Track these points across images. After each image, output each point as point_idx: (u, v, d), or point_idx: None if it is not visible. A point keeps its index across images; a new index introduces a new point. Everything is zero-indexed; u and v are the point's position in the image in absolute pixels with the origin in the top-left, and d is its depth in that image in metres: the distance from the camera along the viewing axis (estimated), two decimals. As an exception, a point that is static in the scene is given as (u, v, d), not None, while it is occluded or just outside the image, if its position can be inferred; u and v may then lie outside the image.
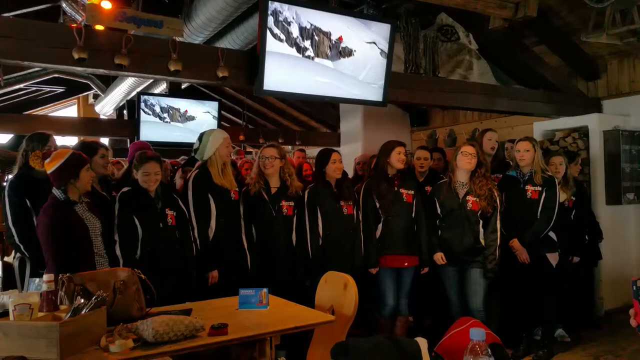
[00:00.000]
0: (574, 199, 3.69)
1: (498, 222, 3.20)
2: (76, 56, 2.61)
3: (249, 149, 7.55)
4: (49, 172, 2.35)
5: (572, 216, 3.69)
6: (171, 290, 2.52)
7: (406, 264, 3.24)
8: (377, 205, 3.25)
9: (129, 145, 6.46)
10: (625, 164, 4.50)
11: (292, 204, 3.10)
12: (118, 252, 2.56)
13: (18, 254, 2.71)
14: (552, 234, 3.34)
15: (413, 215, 3.30)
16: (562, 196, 3.46)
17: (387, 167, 3.28)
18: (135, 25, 2.86)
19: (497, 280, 3.24)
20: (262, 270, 2.99)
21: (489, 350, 1.07)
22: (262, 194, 3.04)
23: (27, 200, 2.59)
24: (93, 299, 1.77)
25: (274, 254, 3.03)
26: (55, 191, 2.36)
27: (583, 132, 4.60)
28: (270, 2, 3.07)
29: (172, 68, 2.89)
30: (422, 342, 1.59)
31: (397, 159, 3.26)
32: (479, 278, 3.16)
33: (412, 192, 3.31)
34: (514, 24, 3.97)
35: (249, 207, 3.05)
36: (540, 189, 3.30)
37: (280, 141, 6.48)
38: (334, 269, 2.60)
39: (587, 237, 3.88)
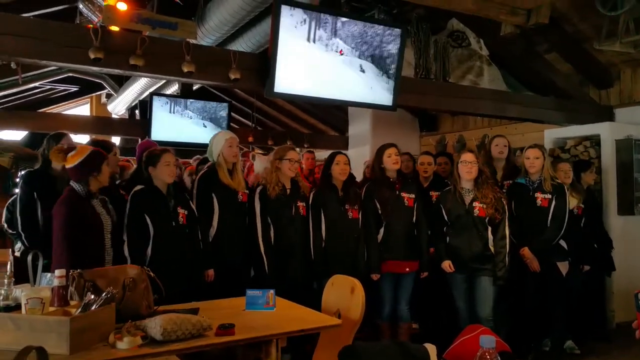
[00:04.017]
0: (582, 206, 3.65)
1: (506, 228, 3.17)
2: (92, 56, 2.65)
3: (258, 151, 7.57)
4: (71, 165, 2.37)
5: (581, 224, 3.65)
6: (180, 289, 2.53)
7: (407, 269, 3.21)
8: (379, 209, 3.22)
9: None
10: (638, 173, 4.44)
11: (304, 204, 3.13)
12: (126, 252, 2.56)
13: (22, 248, 2.75)
14: (562, 242, 3.32)
15: (414, 219, 3.28)
16: (571, 202, 3.43)
17: (385, 171, 3.26)
18: (150, 27, 2.90)
19: (506, 289, 3.21)
20: (278, 272, 2.98)
21: (499, 357, 1.06)
22: (281, 195, 3.05)
23: (34, 193, 2.66)
24: (103, 295, 1.79)
25: (293, 254, 3.03)
26: (75, 184, 2.38)
27: (595, 141, 4.55)
28: (282, 6, 3.09)
29: (185, 69, 2.92)
30: (431, 348, 1.59)
31: (389, 161, 3.22)
32: (488, 286, 3.12)
33: (413, 196, 3.28)
34: (525, 31, 3.95)
35: (270, 209, 3.02)
36: (550, 196, 3.28)
37: (288, 143, 6.50)
38: (336, 272, 2.59)
39: (595, 246, 3.83)
